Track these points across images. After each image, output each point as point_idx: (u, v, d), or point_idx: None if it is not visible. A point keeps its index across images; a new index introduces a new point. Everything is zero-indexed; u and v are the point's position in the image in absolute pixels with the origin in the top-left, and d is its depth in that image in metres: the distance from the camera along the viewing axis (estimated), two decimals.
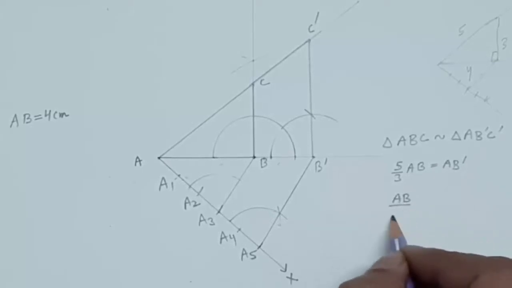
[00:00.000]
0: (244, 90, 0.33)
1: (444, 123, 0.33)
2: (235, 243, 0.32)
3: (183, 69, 0.33)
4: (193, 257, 0.32)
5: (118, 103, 0.33)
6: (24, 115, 0.33)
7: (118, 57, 0.33)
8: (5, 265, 0.32)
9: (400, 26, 0.33)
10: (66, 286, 0.32)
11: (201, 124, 0.33)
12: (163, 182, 0.32)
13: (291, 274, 0.32)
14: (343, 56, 0.33)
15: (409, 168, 0.32)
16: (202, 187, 0.32)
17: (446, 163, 0.32)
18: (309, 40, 0.33)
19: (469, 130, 0.32)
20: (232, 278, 0.32)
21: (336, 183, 0.32)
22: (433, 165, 0.32)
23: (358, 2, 0.33)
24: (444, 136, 0.32)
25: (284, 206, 0.32)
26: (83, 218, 0.32)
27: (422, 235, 0.31)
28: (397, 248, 0.30)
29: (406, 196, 0.32)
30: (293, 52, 0.33)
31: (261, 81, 0.33)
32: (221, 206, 0.32)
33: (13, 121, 0.33)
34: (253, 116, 0.33)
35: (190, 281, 0.32)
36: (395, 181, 0.32)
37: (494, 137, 0.32)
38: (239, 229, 0.32)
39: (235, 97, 0.33)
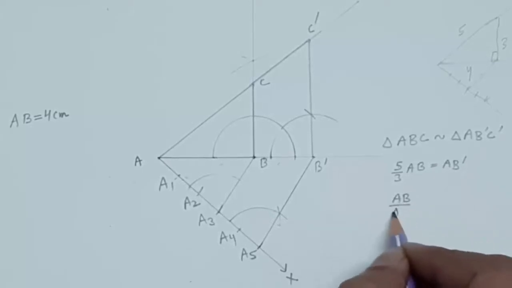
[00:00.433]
0: (244, 90, 0.33)
1: (444, 123, 0.33)
2: (235, 243, 0.32)
3: (183, 69, 0.33)
4: (193, 257, 0.32)
5: (118, 103, 0.33)
6: (24, 115, 0.33)
7: (118, 57, 0.33)
8: (5, 265, 0.32)
9: (400, 26, 0.33)
10: (66, 286, 0.32)
11: (201, 124, 0.33)
12: (163, 182, 0.32)
13: (291, 274, 0.32)
14: (343, 56, 0.33)
15: (409, 168, 0.32)
16: (202, 187, 0.32)
17: (446, 163, 0.32)
18: (309, 40, 0.33)
19: (469, 130, 0.32)
20: (232, 278, 0.32)
21: (336, 183, 0.32)
22: (433, 165, 0.32)
23: (358, 2, 0.33)
24: (444, 136, 0.32)
25: (284, 206, 0.32)
26: (83, 218, 0.32)
27: (422, 235, 0.31)
28: (398, 244, 0.30)
29: (406, 196, 0.32)
30: (293, 52, 0.33)
31: (261, 81, 0.33)
32: (221, 206, 0.32)
33: (13, 121, 0.33)
34: (253, 116, 0.33)
35: (190, 281, 0.32)
36: (395, 181, 0.32)
37: (494, 137, 0.32)
38: (239, 229, 0.32)
39: (235, 97, 0.33)
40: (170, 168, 0.32)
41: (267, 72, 0.33)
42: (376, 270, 0.28)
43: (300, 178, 0.32)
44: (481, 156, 0.32)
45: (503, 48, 0.33)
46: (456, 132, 0.32)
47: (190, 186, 0.32)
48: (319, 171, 0.32)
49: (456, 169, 0.32)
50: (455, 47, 0.33)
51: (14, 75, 0.33)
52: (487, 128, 0.33)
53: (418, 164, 0.32)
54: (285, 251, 0.32)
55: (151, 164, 0.32)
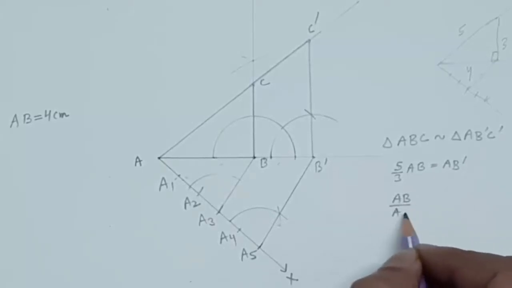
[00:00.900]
0: (244, 90, 0.33)
1: (444, 123, 0.33)
2: (235, 243, 0.32)
3: (183, 69, 0.33)
4: (193, 257, 0.32)
5: (118, 103, 0.33)
6: (24, 115, 0.33)
7: (118, 57, 0.33)
8: (5, 265, 0.32)
9: (400, 26, 0.33)
10: (66, 286, 0.32)
11: (201, 124, 0.33)
12: (163, 182, 0.32)
13: (291, 274, 0.32)
14: (343, 56, 0.33)
15: (409, 168, 0.32)
16: (202, 187, 0.32)
17: (446, 163, 0.32)
18: (309, 40, 0.33)
19: (469, 130, 0.32)
20: (232, 278, 0.32)
21: (336, 183, 0.32)
22: (433, 165, 0.32)
23: (358, 2, 0.33)
24: (444, 136, 0.32)
25: (284, 206, 0.32)
26: (83, 218, 0.32)
27: (422, 235, 0.31)
28: (410, 246, 0.30)
29: (406, 196, 0.32)
30: (293, 52, 0.33)
31: (261, 81, 0.33)
32: (221, 206, 0.32)
33: (13, 121, 0.33)
34: (253, 116, 0.33)
35: (190, 281, 0.32)
36: (395, 181, 0.32)
37: (494, 137, 0.32)
38: (239, 229, 0.32)
39: (235, 97, 0.33)
40: (170, 168, 0.32)
41: (267, 72, 0.33)
42: (389, 270, 0.28)
43: (300, 178, 0.32)
44: (481, 156, 0.32)
45: (503, 48, 0.33)
46: (456, 132, 0.32)
47: (190, 186, 0.32)
48: (319, 171, 0.32)
49: (456, 169, 0.32)
50: (455, 47, 0.33)
51: (14, 75, 0.33)
52: (487, 128, 0.33)
53: (418, 164, 0.32)
54: (285, 251, 0.32)
55: (151, 164, 0.32)
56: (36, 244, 0.32)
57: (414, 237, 0.30)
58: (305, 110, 0.33)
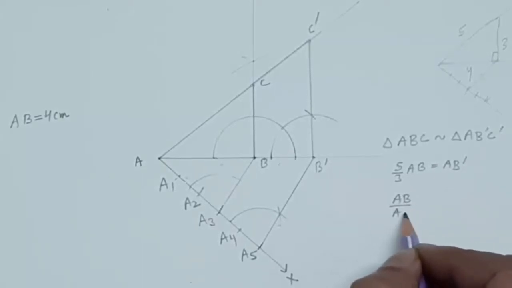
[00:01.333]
0: (245, 91, 0.33)
1: (444, 123, 0.33)
2: (236, 244, 0.32)
3: (183, 69, 0.33)
4: (193, 257, 0.32)
5: (118, 104, 0.33)
6: (25, 115, 0.33)
7: (118, 58, 0.33)
8: (5, 265, 0.32)
9: (400, 26, 0.33)
10: (66, 286, 0.32)
11: (201, 125, 0.33)
12: (163, 183, 0.32)
13: (292, 274, 0.32)
14: (343, 56, 0.33)
15: (409, 168, 0.32)
16: (203, 188, 0.32)
17: (446, 163, 0.32)
18: (309, 41, 0.33)
19: (469, 130, 0.32)
20: (232, 279, 0.32)
21: (336, 184, 0.32)
22: (434, 166, 0.32)
23: (358, 2, 0.33)
24: (444, 136, 0.32)
25: (284, 206, 0.32)
26: (83, 218, 0.32)
27: (422, 236, 0.31)
28: (410, 246, 0.30)
29: (406, 196, 0.32)
30: (293, 52, 0.33)
31: (261, 81, 0.33)
32: (222, 207, 0.32)
33: (13, 122, 0.33)
34: (253, 116, 0.33)
35: (190, 282, 0.32)
36: (396, 181, 0.32)
37: (494, 137, 0.32)
38: (240, 230, 0.32)
39: (235, 98, 0.33)
40: (170, 169, 0.32)
41: (267, 72, 0.33)
42: (389, 270, 0.28)
43: (300, 179, 0.32)
44: (482, 156, 0.32)
45: (504, 49, 0.33)
46: (456, 133, 0.32)
47: (190, 187, 0.32)
48: (319, 171, 0.32)
49: (456, 169, 0.32)
50: (455, 47, 0.33)
51: (14, 76, 0.33)
52: (487, 128, 0.33)
53: (419, 164, 0.32)
54: (286, 252, 0.32)
55: (152, 164, 0.32)
56: (36, 244, 0.32)
57: (414, 237, 0.30)
58: (305, 110, 0.33)
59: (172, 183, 0.32)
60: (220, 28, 0.33)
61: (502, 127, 0.33)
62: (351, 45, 0.33)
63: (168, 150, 0.32)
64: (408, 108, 0.33)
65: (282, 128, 0.33)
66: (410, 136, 0.32)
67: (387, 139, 0.33)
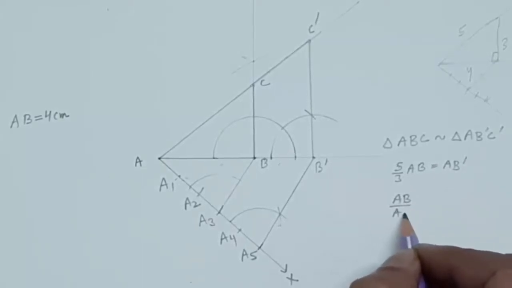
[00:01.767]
0: (245, 91, 0.33)
1: (444, 123, 0.33)
2: (236, 244, 0.32)
3: (183, 69, 0.33)
4: (193, 257, 0.32)
5: (118, 104, 0.33)
6: (25, 115, 0.33)
7: (118, 58, 0.33)
8: (5, 265, 0.32)
9: (400, 26, 0.33)
10: (66, 286, 0.32)
11: (201, 125, 0.33)
12: (163, 183, 0.32)
13: (292, 274, 0.32)
14: (343, 56, 0.33)
15: (409, 168, 0.32)
16: (203, 188, 0.32)
17: (446, 163, 0.32)
18: (309, 41, 0.33)
19: (470, 130, 0.32)
20: (232, 279, 0.32)
21: (336, 184, 0.32)
22: (434, 166, 0.32)
23: (358, 2, 0.33)
24: (444, 136, 0.32)
25: (284, 206, 0.32)
26: (83, 219, 0.32)
27: (422, 236, 0.31)
28: (409, 246, 0.30)
29: (406, 196, 0.32)
30: (293, 52, 0.33)
31: (261, 81, 0.33)
32: (222, 207, 0.32)
33: (13, 122, 0.33)
34: (254, 116, 0.33)
35: (190, 282, 0.32)
36: (396, 181, 0.32)
37: (494, 137, 0.32)
38: (240, 230, 0.32)
39: (235, 98, 0.33)
40: (170, 169, 0.32)
41: (267, 72, 0.33)
42: (388, 270, 0.28)
43: (300, 179, 0.32)
44: (482, 156, 0.32)
45: (504, 49, 0.33)
46: (456, 133, 0.32)
47: (190, 187, 0.32)
48: (319, 171, 0.32)
49: (456, 169, 0.32)
50: (455, 47, 0.33)
51: (14, 76, 0.33)
52: (487, 128, 0.33)
53: (419, 164, 0.32)
54: (286, 252, 0.32)
55: (152, 164, 0.32)
56: (36, 244, 0.32)
57: (413, 237, 0.30)
58: (305, 110, 0.33)
59: (172, 183, 0.32)
60: (220, 28, 0.33)
61: (502, 127, 0.33)
62: (351, 45, 0.33)
63: (168, 150, 0.32)
64: (408, 108, 0.33)
65: (282, 128, 0.33)
66: (410, 136, 0.32)
67: (387, 139, 0.33)
